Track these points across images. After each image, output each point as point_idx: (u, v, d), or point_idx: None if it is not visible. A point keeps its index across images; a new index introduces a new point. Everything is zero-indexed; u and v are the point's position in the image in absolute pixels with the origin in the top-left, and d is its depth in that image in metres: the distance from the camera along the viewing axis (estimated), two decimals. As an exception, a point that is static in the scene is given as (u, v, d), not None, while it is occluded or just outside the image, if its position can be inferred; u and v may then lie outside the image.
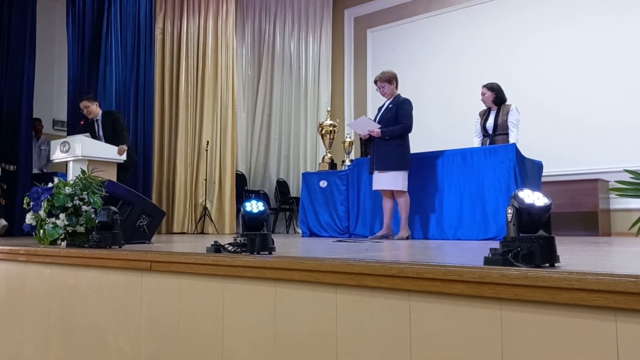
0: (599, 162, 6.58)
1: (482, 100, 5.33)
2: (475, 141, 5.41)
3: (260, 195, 8.68)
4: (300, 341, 1.82)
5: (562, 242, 3.72)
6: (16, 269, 3.08)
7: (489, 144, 5.17)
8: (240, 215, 2.23)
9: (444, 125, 7.64)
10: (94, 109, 5.92)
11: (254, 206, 2.20)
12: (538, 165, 5.30)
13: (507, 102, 5.28)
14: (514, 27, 7.50)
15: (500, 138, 5.14)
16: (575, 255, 2.18)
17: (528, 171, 4.93)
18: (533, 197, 1.53)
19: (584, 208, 6.33)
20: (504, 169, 4.74)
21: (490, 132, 5.22)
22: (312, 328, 1.79)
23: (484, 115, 5.37)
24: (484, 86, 5.33)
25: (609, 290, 1.22)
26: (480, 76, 6.74)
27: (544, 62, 7.19)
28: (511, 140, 5.02)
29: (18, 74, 6.20)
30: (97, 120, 5.94)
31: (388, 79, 5.09)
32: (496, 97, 5.24)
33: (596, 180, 6.33)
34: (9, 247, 3.15)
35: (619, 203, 6.43)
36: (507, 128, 5.12)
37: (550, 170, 5.98)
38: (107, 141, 5.68)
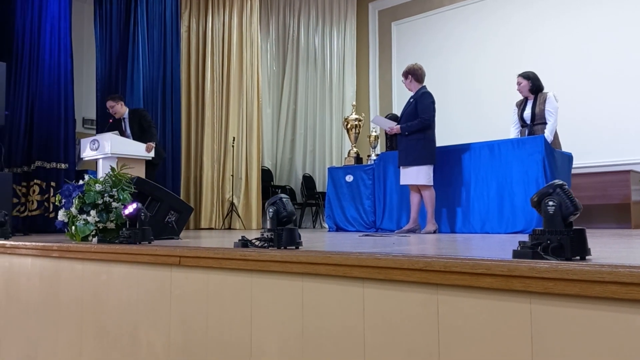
0: (630, 153, 6.43)
1: (519, 89, 5.19)
2: (512, 132, 5.27)
3: (286, 191, 8.72)
4: (327, 335, 1.83)
5: (593, 234, 3.65)
6: (50, 264, 3.16)
7: (528, 134, 5.03)
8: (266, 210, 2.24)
9: (470, 118, 7.56)
10: (119, 109, 6.01)
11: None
12: (568, 157, 5.20)
13: (544, 90, 5.13)
14: (541, 15, 7.35)
15: (539, 128, 4.99)
16: (607, 248, 2.14)
17: (558, 163, 4.84)
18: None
19: (615, 200, 6.20)
20: (532, 162, 4.65)
21: (528, 122, 5.09)
22: (340, 322, 1.79)
23: (521, 105, 5.23)
24: (519, 75, 5.19)
25: (642, 284, 1.20)
26: (507, 67, 6.64)
27: (572, 51, 7.05)
28: (547, 129, 4.90)
29: (61, 74, 6.40)
30: (123, 118, 6.04)
31: (404, 74, 5.06)
32: (532, 85, 5.09)
33: (628, 171, 6.18)
34: (42, 244, 3.24)
35: (652, 195, 6.28)
36: (545, 117, 4.98)
37: (580, 162, 5.87)
38: (134, 138, 5.76)
